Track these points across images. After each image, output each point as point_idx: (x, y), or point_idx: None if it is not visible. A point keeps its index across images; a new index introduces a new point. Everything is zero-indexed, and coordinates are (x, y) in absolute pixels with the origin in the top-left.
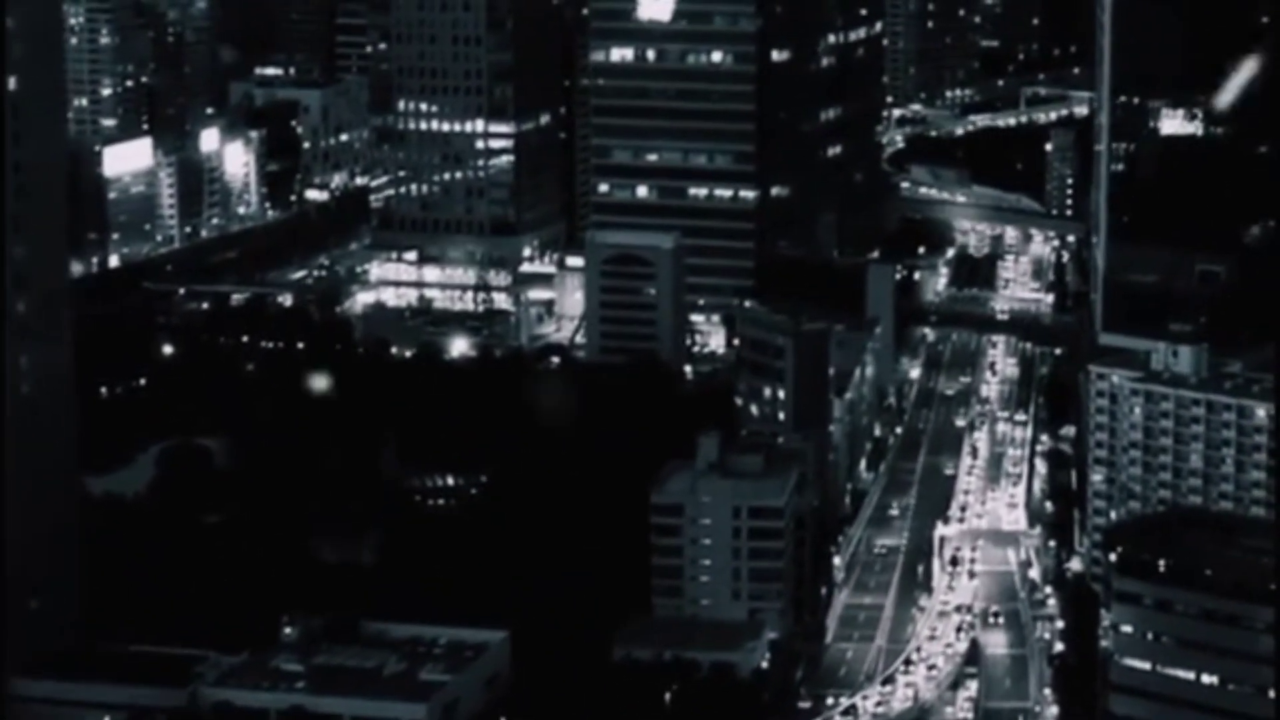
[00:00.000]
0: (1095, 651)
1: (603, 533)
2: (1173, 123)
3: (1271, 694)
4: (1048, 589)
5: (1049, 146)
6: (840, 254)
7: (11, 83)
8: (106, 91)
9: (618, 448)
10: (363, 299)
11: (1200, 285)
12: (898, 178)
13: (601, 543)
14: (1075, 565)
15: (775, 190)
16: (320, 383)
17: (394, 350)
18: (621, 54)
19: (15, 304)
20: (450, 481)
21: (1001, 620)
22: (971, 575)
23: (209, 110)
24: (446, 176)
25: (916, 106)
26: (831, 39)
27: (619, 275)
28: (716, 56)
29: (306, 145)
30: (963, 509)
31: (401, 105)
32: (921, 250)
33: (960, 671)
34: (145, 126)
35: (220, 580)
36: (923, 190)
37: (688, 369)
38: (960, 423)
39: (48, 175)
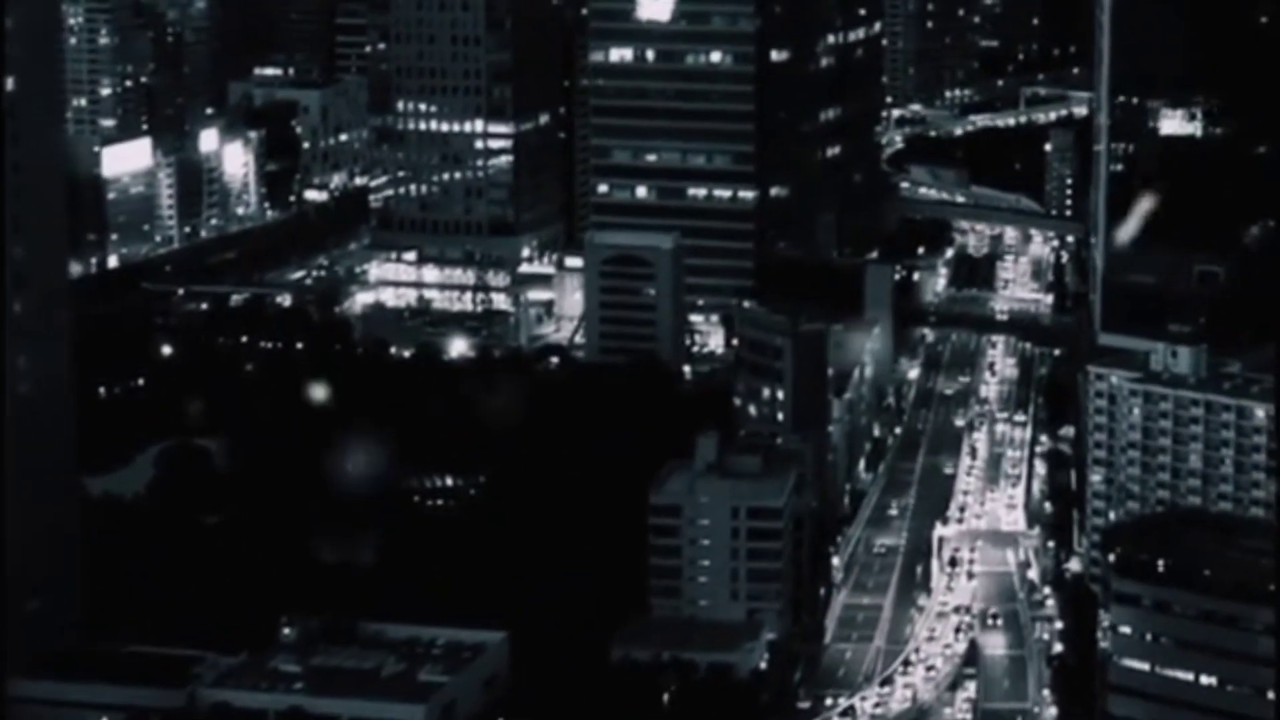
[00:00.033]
0: (1094, 652)
1: (601, 533)
2: (1172, 123)
3: (1270, 695)
4: (1046, 590)
5: (1048, 147)
6: (839, 254)
7: (9, 83)
8: (105, 92)
9: (617, 448)
10: (362, 299)
11: (1199, 286)
12: (897, 178)
13: (600, 543)
14: (1074, 566)
15: (774, 190)
16: (319, 392)
17: (393, 351)
18: (621, 54)
19: (13, 304)
20: (449, 482)
21: (1000, 621)
22: (970, 576)
23: (208, 110)
24: (445, 177)
25: (916, 106)
26: (831, 39)
27: (618, 276)
28: (716, 57)
29: (306, 145)
30: (962, 509)
31: (400, 105)
32: (921, 250)
33: (959, 672)
34: (144, 127)
35: (219, 581)
36: (922, 190)
37: (687, 369)
38: (959, 423)
39: (45, 175)
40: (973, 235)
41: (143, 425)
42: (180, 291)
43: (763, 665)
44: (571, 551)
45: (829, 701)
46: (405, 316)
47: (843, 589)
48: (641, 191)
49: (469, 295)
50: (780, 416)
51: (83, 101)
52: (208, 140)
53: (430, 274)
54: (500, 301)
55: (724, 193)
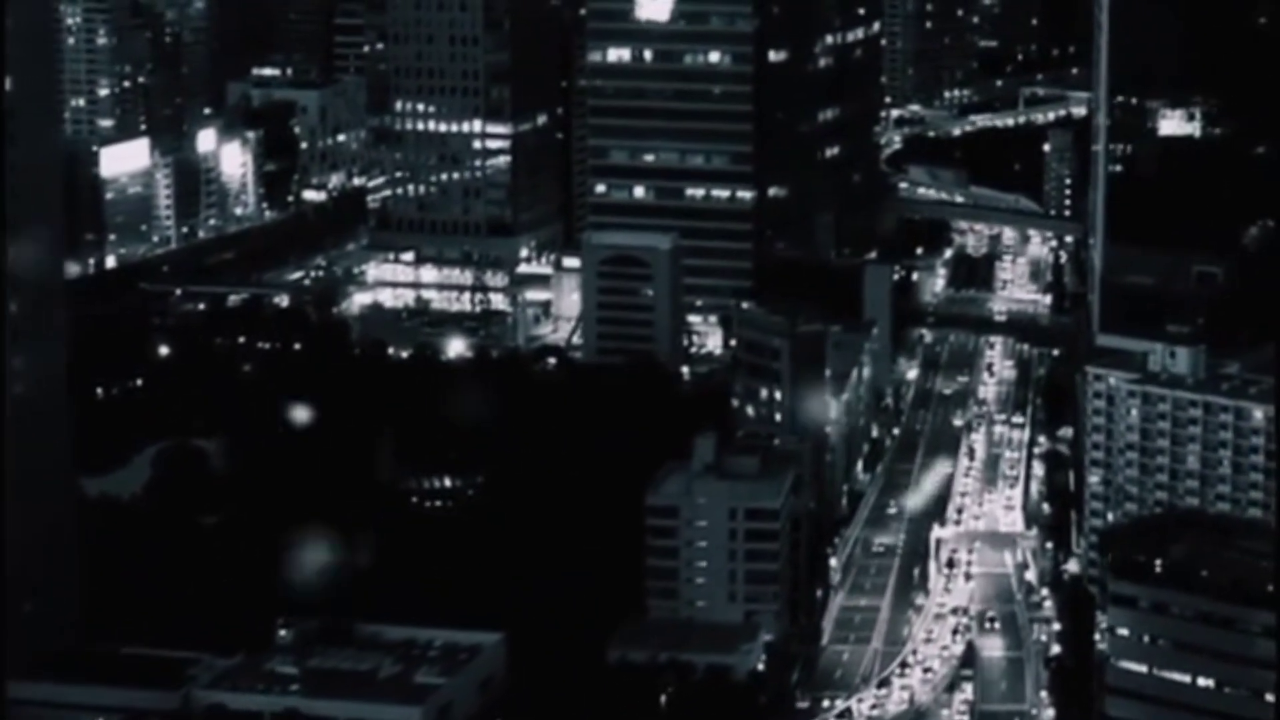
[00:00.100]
0: (1092, 654)
1: (598, 534)
2: (1171, 123)
3: (1268, 697)
4: (1044, 591)
5: (1047, 147)
6: (838, 255)
7: (6, 83)
8: (104, 92)
9: (614, 449)
10: (360, 300)
11: (1198, 286)
12: (896, 178)
13: (597, 544)
14: (1072, 567)
15: (773, 191)
16: (301, 413)
17: (391, 351)
18: (619, 54)
19: (9, 305)
20: (447, 483)
21: (998, 623)
22: (968, 577)
23: (206, 111)
24: (444, 177)
25: (915, 107)
26: (829, 39)
27: (616, 276)
28: (714, 57)
29: (304, 146)
30: (959, 511)
31: (399, 106)
32: (919, 251)
33: (956, 674)
34: (142, 127)
35: (215, 582)
36: (921, 191)
37: (685, 370)
38: (958, 424)
39: (42, 176)
40: (971, 235)
41: (140, 426)
42: (178, 292)
43: (760, 667)
44: (569, 552)
45: (826, 703)
46: (403, 317)
47: (840, 590)
48: (639, 192)
49: (467, 296)
50: (778, 417)
51: (81, 102)
52: (206, 140)
53: (428, 274)
54: (498, 302)
55: (722, 193)
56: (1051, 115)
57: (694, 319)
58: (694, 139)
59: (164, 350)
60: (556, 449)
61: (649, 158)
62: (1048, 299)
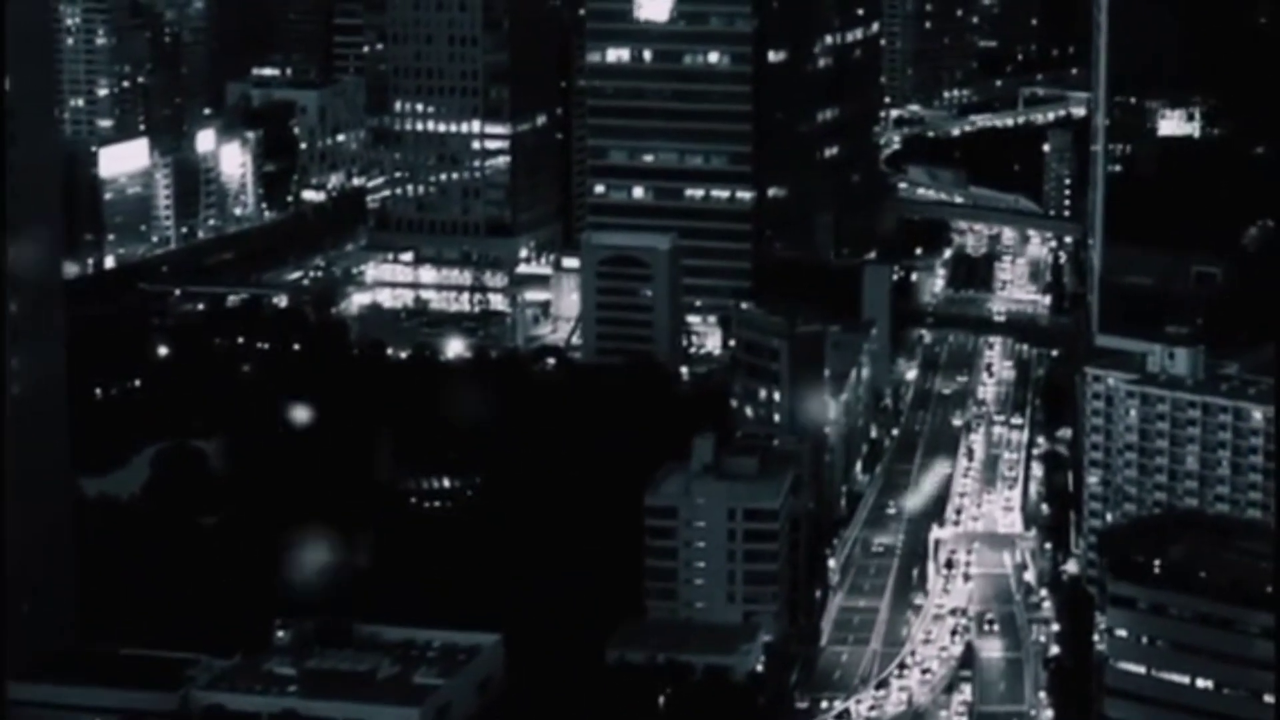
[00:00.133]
0: (1091, 655)
1: (597, 535)
2: (1170, 123)
3: (1267, 698)
4: (1043, 592)
5: (1047, 147)
6: (837, 255)
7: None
8: (103, 92)
9: (613, 449)
10: (358, 300)
11: (1197, 287)
12: (895, 178)
13: (596, 545)
14: (1071, 568)
15: (772, 191)
16: (301, 413)
17: (389, 351)
18: (618, 55)
19: (8, 305)
20: (445, 483)
21: (996, 624)
22: (967, 578)
23: (206, 111)
24: (443, 177)
25: (914, 107)
26: (829, 39)
27: (615, 276)
28: (713, 57)
29: (303, 146)
30: (958, 511)
31: (398, 106)
32: (919, 251)
33: (955, 675)
34: (141, 127)
35: (214, 583)
36: (920, 191)
37: (684, 370)
38: (956, 424)
39: (40, 176)
40: (971, 236)
41: (139, 426)
42: (177, 292)
43: (759, 667)
44: (567, 553)
45: (825, 704)
46: (402, 317)
47: (839, 591)
48: (638, 192)
49: (466, 296)
50: (777, 418)
51: (80, 102)
52: (205, 141)
53: (427, 275)
54: (497, 302)
55: (721, 193)
56: (1051, 115)
57: (693, 319)
58: (693, 139)
59: (163, 350)
60: (555, 449)
61: (648, 158)
62: (1047, 299)
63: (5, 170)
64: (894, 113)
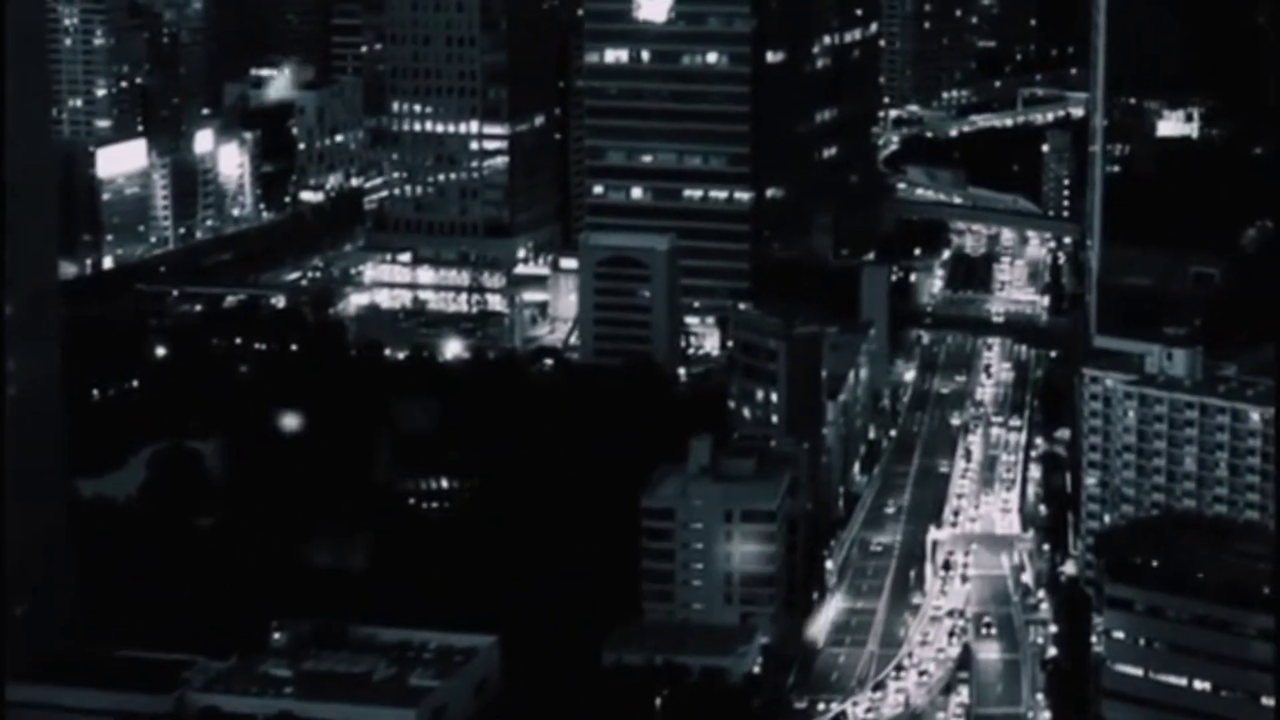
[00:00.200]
0: (1088, 656)
1: (594, 536)
2: (1168, 124)
3: (1265, 700)
4: (1041, 593)
5: (1045, 147)
6: (836, 256)
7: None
8: (101, 92)
9: (611, 450)
10: (356, 301)
11: (1195, 288)
12: (894, 179)
13: (593, 546)
14: (1069, 569)
15: (770, 192)
16: (290, 420)
17: (387, 352)
18: (616, 55)
19: (4, 305)
20: (444, 484)
21: (994, 625)
22: (964, 579)
23: (204, 111)
24: (441, 178)
25: (913, 107)
26: (827, 40)
27: (613, 277)
28: (711, 58)
29: (301, 146)
30: (956, 512)
31: (395, 106)
32: (917, 252)
33: (952, 677)
34: (140, 128)
35: (210, 584)
36: (919, 191)
37: (682, 371)
38: (955, 425)
39: (36, 176)
40: (969, 236)
41: (136, 427)
42: (175, 293)
43: (756, 669)
44: (564, 554)
45: (822, 706)
46: (400, 318)
47: (836, 592)
48: (637, 193)
49: (464, 297)
50: (775, 419)
51: (78, 102)
52: (203, 141)
53: (425, 275)
54: (495, 303)
55: (720, 194)
56: (1050, 116)
57: (691, 320)
58: (691, 140)
59: (160, 351)
60: (553, 450)
61: (646, 158)
62: (1045, 300)
63: (4, 170)
64: (893, 113)
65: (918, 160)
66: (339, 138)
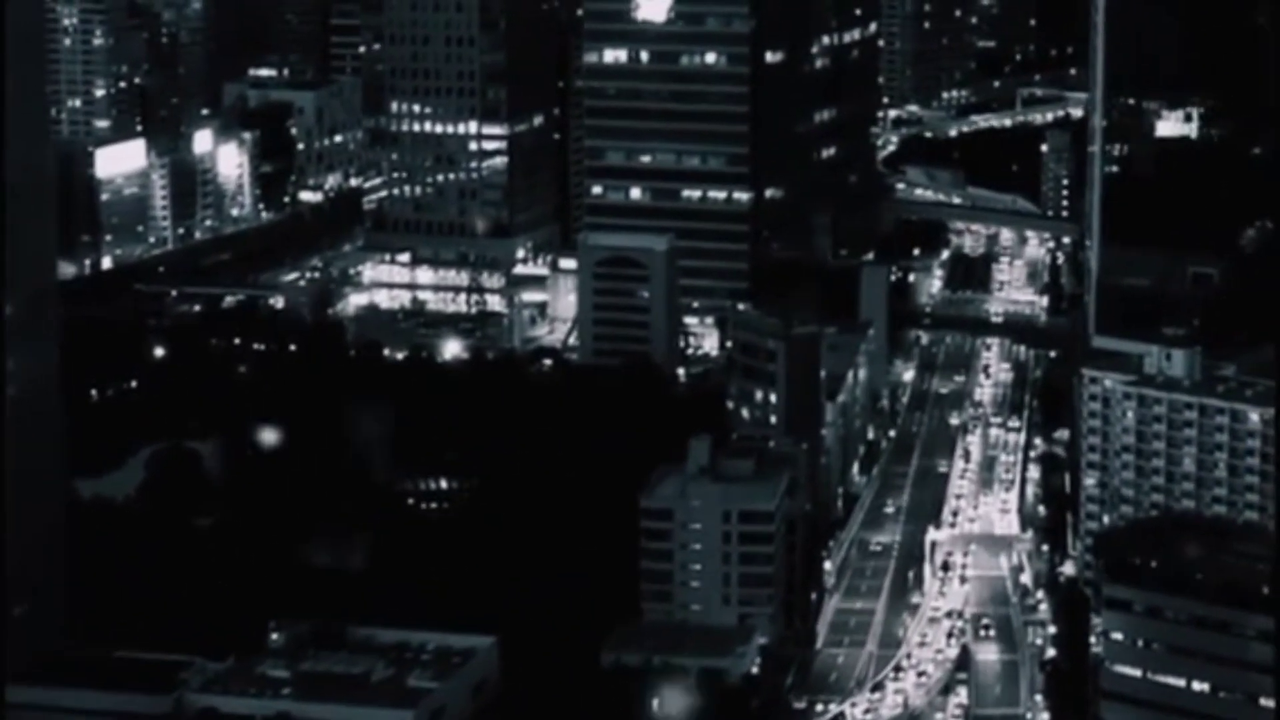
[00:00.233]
0: (1087, 657)
1: (593, 537)
2: (1168, 124)
3: (1263, 702)
4: (1040, 594)
5: (1044, 148)
6: (835, 256)
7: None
8: (100, 93)
9: (610, 451)
10: (355, 301)
11: (1194, 288)
12: (893, 179)
13: (592, 547)
14: (1068, 570)
15: (769, 192)
16: (270, 435)
17: (386, 352)
18: (615, 55)
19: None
20: (443, 485)
21: (993, 626)
22: (963, 580)
23: (203, 111)
24: (440, 178)
25: (912, 107)
26: (826, 40)
27: (612, 277)
28: (710, 58)
29: (300, 147)
30: (955, 513)
31: (394, 107)
32: (916, 252)
33: (951, 678)
34: (139, 128)
35: (208, 585)
36: (918, 192)
37: (681, 372)
38: (954, 425)
39: (35, 176)
40: (968, 236)
41: (135, 427)
42: (173, 293)
43: (754, 670)
44: (563, 555)
45: (820, 707)
46: (399, 318)
47: (835, 593)
48: (636, 193)
49: (463, 297)
50: (773, 420)
51: (77, 102)
52: (202, 141)
53: (424, 275)
54: (494, 303)
55: (719, 194)
56: (1049, 116)
57: (690, 320)
58: (690, 140)
59: (159, 351)
60: (552, 451)
61: (645, 159)
62: (1044, 300)
63: (3, 170)
64: (892, 113)
65: (917, 160)
66: (338, 138)
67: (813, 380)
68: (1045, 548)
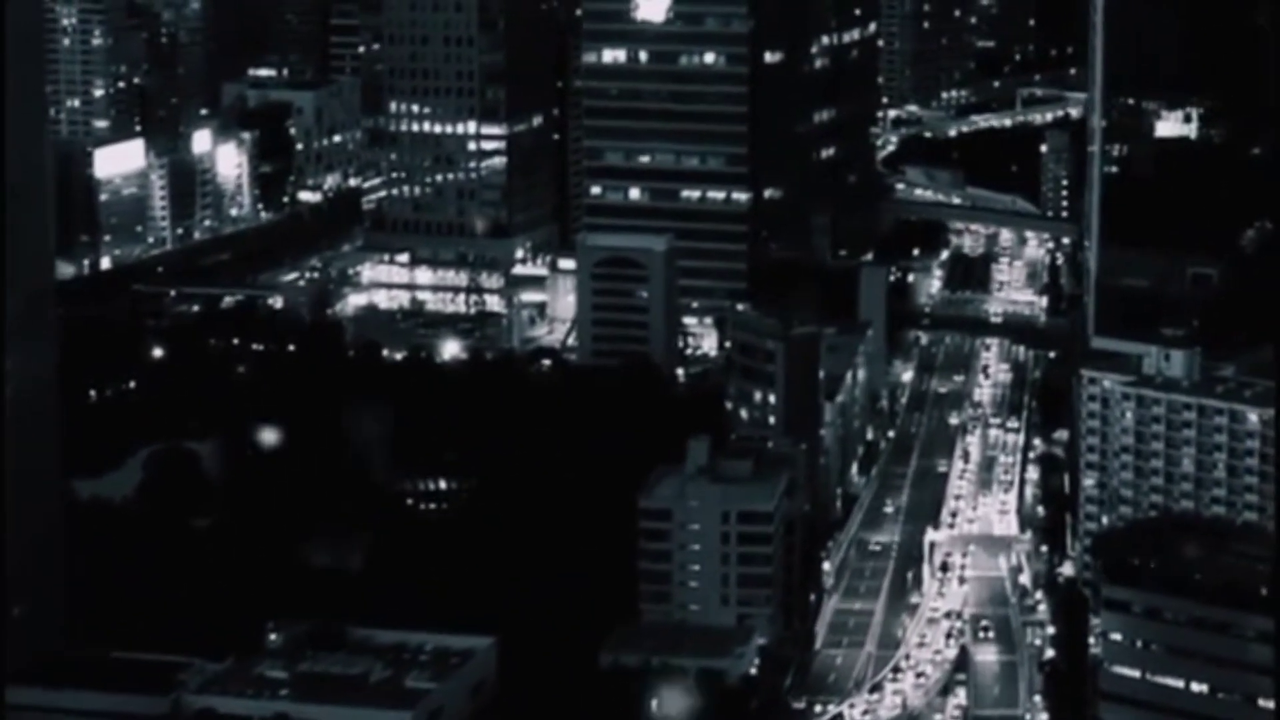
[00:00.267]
0: (1085, 658)
1: (592, 537)
2: (1167, 125)
3: (1262, 703)
4: (1038, 595)
5: (1044, 148)
6: (834, 256)
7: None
8: (99, 93)
9: (608, 451)
10: (354, 301)
11: (1193, 288)
12: (892, 179)
13: (590, 547)
14: (1067, 570)
15: (768, 192)
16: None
17: (385, 353)
18: (614, 55)
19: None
20: (441, 485)
21: (992, 627)
22: (962, 581)
23: (202, 111)
24: (438, 178)
25: (912, 107)
26: (825, 40)
27: (611, 278)
28: (709, 58)
29: (299, 147)
30: (954, 514)
31: (393, 107)
32: (916, 252)
33: (949, 678)
34: (138, 128)
35: (206, 585)
36: (917, 192)
37: (680, 372)
38: (953, 425)
39: (33, 176)
40: (968, 237)
41: (133, 428)
42: (172, 293)
43: (753, 671)
44: (562, 555)
45: (819, 708)
46: (398, 318)
47: (834, 594)
48: (635, 193)
49: (462, 297)
50: (772, 420)
51: (76, 102)
52: (201, 141)
53: (423, 276)
54: (493, 304)
55: (718, 194)
56: (1049, 116)
57: (689, 321)
58: (689, 140)
59: (158, 352)
60: (551, 451)
61: (644, 159)
62: (1044, 301)
63: (2, 170)
64: (891, 113)
65: (916, 160)
66: (337, 138)
67: (812, 381)
68: (1044, 548)
